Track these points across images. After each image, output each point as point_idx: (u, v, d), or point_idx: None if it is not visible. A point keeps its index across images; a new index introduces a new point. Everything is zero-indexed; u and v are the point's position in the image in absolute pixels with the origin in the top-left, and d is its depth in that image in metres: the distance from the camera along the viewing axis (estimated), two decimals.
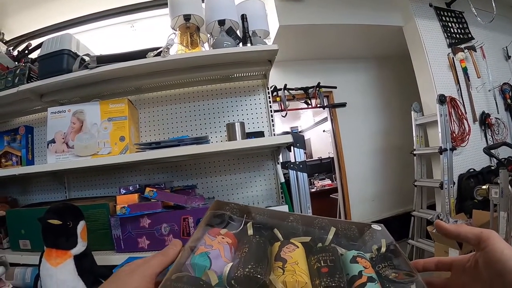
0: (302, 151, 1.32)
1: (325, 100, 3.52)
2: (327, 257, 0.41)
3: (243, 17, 1.28)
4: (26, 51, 1.58)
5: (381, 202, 3.67)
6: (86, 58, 1.34)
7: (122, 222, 1.13)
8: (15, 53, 1.61)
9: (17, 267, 1.26)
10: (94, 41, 2.17)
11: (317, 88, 3.32)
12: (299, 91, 3.32)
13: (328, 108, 3.65)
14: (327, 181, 5.04)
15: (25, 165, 1.50)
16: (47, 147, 1.30)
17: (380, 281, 0.38)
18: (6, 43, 2.16)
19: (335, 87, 3.56)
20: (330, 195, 4.41)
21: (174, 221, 1.11)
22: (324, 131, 4.97)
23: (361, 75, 3.83)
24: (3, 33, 2.16)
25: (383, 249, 0.46)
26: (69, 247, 0.99)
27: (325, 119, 4.53)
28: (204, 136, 1.18)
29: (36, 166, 1.40)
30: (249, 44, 1.24)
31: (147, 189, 1.14)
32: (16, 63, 1.57)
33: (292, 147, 1.29)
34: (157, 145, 1.17)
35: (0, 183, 1.58)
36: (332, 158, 4.17)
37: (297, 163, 1.31)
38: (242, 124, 1.26)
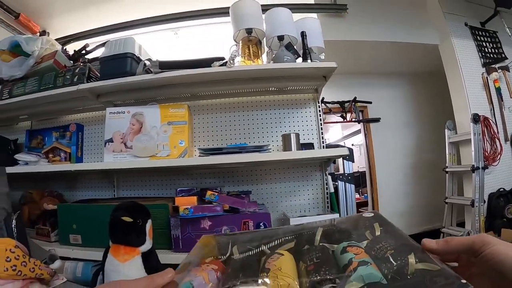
0: (350, 163, 1.38)
1: (360, 114, 3.57)
2: (313, 255, 0.41)
3: (303, 34, 1.35)
4: (84, 51, 1.64)
5: (409, 219, 3.62)
6: (147, 63, 1.40)
7: (183, 223, 1.17)
8: (71, 52, 1.66)
9: (67, 261, 1.28)
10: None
11: (353, 103, 3.38)
12: (335, 104, 3.38)
13: (362, 123, 3.69)
14: (355, 195, 5.02)
15: (74, 162, 1.53)
16: (105, 146, 1.34)
17: (376, 263, 0.37)
18: None
19: (370, 102, 3.61)
20: (359, 209, 4.32)
21: (235, 224, 1.15)
22: (353, 145, 4.94)
23: (395, 91, 3.89)
24: (48, 33, 2.23)
25: (378, 233, 0.45)
26: (138, 244, 1.02)
27: (354, 133, 4.53)
28: (265, 145, 1.23)
29: (95, 163, 1.44)
30: (309, 60, 1.31)
31: (209, 192, 1.18)
32: (71, 62, 1.63)
33: (342, 160, 1.35)
34: (219, 151, 1.22)
35: (46, 177, 1.61)
36: (361, 172, 4.17)
37: (346, 174, 1.37)
38: (297, 136, 1.31)
